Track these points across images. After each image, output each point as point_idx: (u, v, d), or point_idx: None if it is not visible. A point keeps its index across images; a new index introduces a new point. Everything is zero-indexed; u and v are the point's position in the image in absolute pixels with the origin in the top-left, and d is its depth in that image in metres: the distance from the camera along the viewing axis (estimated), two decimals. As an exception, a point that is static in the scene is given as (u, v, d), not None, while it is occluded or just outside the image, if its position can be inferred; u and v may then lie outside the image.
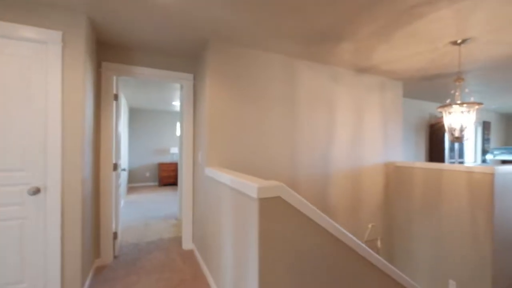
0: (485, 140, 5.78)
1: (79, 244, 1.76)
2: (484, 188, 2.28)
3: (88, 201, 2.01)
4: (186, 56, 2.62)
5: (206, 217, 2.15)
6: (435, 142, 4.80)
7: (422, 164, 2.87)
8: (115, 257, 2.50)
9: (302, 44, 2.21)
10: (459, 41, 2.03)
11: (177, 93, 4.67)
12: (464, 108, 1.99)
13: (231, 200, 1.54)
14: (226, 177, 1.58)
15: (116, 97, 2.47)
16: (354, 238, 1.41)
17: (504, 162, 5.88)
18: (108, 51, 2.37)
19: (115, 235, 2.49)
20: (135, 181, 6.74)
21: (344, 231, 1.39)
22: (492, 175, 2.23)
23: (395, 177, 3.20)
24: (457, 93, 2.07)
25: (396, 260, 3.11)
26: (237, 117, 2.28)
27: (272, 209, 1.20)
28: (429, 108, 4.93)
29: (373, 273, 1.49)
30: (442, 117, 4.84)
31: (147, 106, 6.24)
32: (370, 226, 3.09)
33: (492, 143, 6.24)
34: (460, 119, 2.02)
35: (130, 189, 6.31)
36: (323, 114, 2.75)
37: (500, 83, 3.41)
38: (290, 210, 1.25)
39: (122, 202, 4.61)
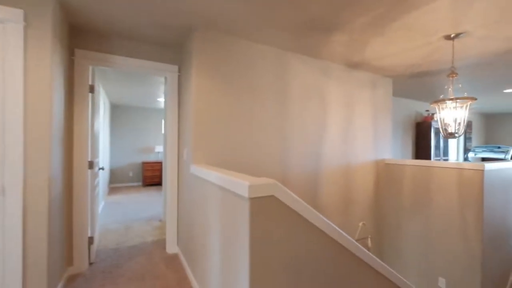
0: (467, 138, 5.97)
1: (45, 251, 1.55)
2: (474, 185, 2.28)
3: (57, 203, 1.80)
4: (170, 45, 2.44)
5: (192, 218, 1.99)
6: (421, 140, 4.88)
7: (412, 161, 2.85)
8: (90, 264, 2.28)
9: (295, 34, 2.10)
10: (453, 35, 2.00)
11: (162, 89, 4.44)
12: (458, 103, 1.96)
13: (219, 199, 1.40)
14: (213, 175, 1.44)
15: (92, 89, 2.25)
16: (350, 238, 1.33)
17: (484, 159, 6.10)
18: (83, 37, 2.15)
19: (91, 240, 2.27)
20: (117, 181, 6.41)
21: (341, 231, 1.29)
22: (482, 171, 2.22)
23: (385, 175, 3.18)
24: (450, 88, 2.04)
25: (386, 258, 3.08)
26: (225, 111, 2.14)
27: (265, 209, 1.08)
28: (415, 106, 5.00)
29: (369, 273, 1.43)
30: (428, 115, 4.94)
31: (130, 102, 5.93)
32: (360, 224, 3.04)
33: (474, 142, 6.46)
34: (453, 115, 1.99)
35: (112, 190, 5.98)
36: (315, 110, 2.66)
37: (485, 82, 3.47)
38: (284, 210, 1.13)
39: (102, 204, 4.33)
